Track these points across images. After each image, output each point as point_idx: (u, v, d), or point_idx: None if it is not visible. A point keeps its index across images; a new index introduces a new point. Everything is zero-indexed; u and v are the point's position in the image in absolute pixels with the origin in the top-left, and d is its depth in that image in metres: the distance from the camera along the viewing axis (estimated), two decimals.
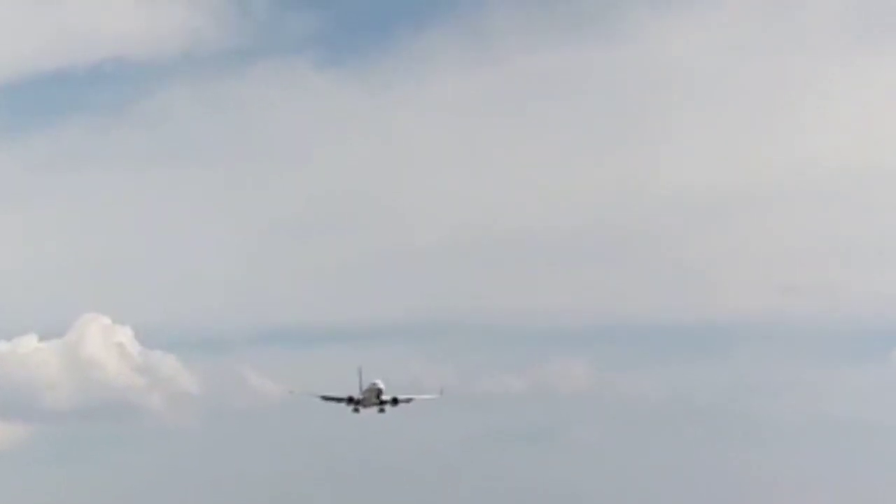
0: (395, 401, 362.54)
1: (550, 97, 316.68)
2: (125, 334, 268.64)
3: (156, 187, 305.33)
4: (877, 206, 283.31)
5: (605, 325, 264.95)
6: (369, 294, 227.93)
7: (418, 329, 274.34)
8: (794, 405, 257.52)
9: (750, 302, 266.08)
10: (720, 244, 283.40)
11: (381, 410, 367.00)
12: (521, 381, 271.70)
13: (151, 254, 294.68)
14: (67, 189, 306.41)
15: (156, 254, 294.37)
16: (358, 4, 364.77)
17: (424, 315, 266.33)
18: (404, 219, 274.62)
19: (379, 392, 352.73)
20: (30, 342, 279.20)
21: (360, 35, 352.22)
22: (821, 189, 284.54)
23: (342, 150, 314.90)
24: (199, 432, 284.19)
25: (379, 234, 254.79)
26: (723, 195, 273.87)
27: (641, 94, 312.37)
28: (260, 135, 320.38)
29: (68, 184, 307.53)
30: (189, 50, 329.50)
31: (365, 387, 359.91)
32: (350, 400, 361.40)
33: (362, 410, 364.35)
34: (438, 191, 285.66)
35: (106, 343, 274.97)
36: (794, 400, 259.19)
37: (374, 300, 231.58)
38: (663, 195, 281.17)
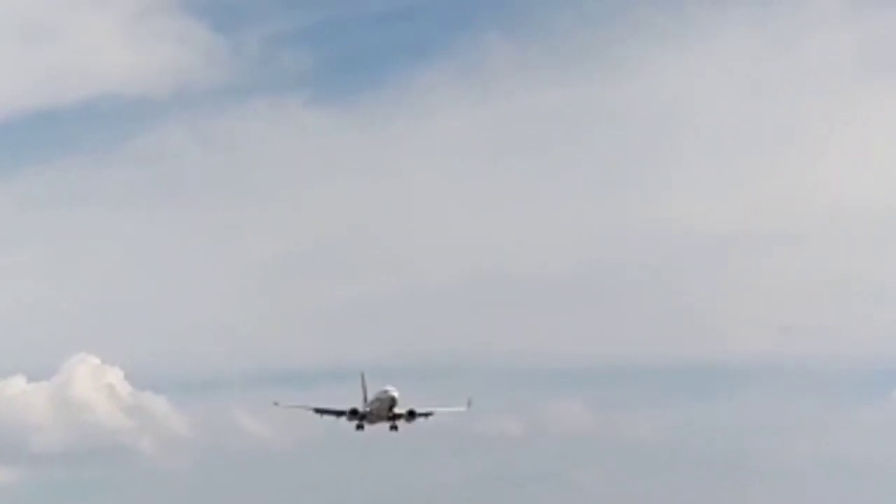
0: (411, 414, 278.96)
1: (548, 135, 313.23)
2: (115, 375, 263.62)
3: (147, 226, 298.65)
4: (875, 245, 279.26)
5: (604, 366, 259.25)
6: (364, 336, 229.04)
7: (414, 371, 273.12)
8: (794, 446, 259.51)
9: (750, 343, 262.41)
10: (719, 285, 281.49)
11: (393, 427, 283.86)
12: (519, 423, 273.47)
13: (142, 293, 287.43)
14: (57, 228, 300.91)
15: (147, 293, 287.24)
16: (352, 41, 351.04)
17: (420, 357, 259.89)
18: (400, 260, 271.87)
19: (392, 403, 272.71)
20: (17, 383, 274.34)
21: (354, 72, 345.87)
22: (819, 229, 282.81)
23: (337, 190, 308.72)
24: (191, 475, 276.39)
25: (375, 275, 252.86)
26: (722, 235, 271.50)
27: (642, 133, 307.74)
28: (254, 173, 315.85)
29: (58, 222, 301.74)
30: (181, 87, 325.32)
31: (372, 396, 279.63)
32: (353, 414, 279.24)
33: (368, 427, 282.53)
34: (434, 231, 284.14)
35: (95, 384, 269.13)
36: (794, 441, 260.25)
37: (368, 342, 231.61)
38: (663, 235, 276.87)
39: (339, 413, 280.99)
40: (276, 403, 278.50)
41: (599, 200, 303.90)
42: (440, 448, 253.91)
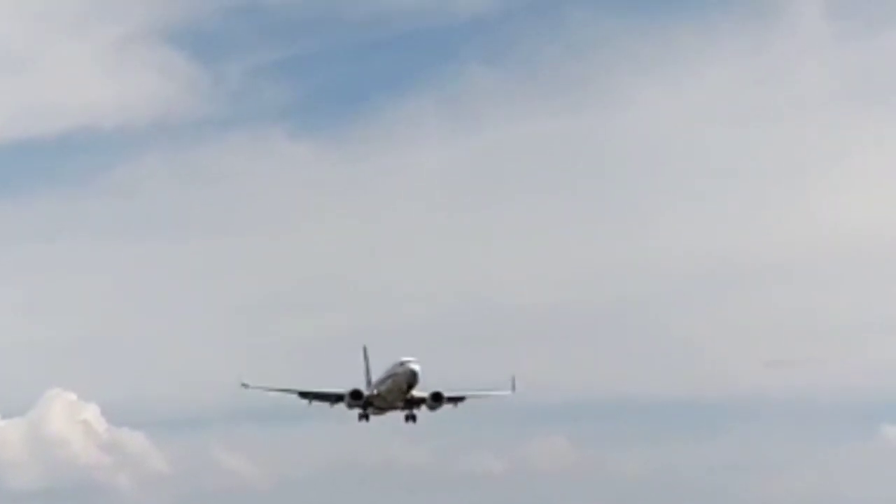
0: (437, 398, 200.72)
1: (535, 167, 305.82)
2: (91, 411, 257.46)
3: (125, 260, 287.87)
4: (864, 278, 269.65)
5: (589, 401, 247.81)
6: (345, 371, 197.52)
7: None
8: (782, 482, 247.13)
9: (736, 377, 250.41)
10: (706, 319, 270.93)
11: (410, 417, 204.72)
12: (501, 459, 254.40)
13: (119, 328, 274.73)
14: (33, 261, 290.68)
15: (124, 328, 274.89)
16: (334, 72, 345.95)
17: None
18: (383, 293, 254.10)
19: (411, 380, 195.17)
20: None
21: (336, 104, 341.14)
22: (807, 262, 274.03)
23: (319, 222, 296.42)
24: None
25: (357, 309, 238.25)
26: (709, 269, 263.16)
27: (628, 164, 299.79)
28: (234, 206, 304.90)
29: (34, 256, 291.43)
30: (161, 119, 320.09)
31: (381, 374, 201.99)
32: (355, 397, 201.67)
33: (375, 417, 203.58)
34: (419, 264, 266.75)
35: (71, 420, 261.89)
36: (782, 477, 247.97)
37: (350, 377, 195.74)
38: (649, 269, 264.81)
39: (335, 398, 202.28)
40: (245, 385, 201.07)
41: (585, 233, 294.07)
42: (421, 486, 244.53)
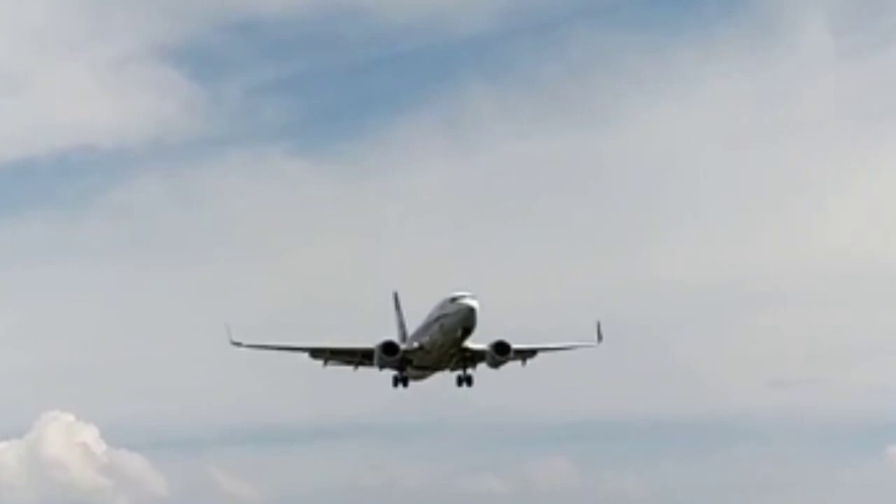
0: (501, 350, 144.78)
1: (533, 187, 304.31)
2: (90, 433, 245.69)
3: (123, 281, 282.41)
4: (869, 299, 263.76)
5: (591, 422, 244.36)
6: (345, 393, 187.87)
7: (396, 428, 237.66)
8: (785, 503, 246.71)
9: (739, 398, 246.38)
10: (708, 339, 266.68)
11: (465, 380, 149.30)
12: (503, 481, 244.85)
13: (118, 349, 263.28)
14: (30, 282, 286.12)
15: (122, 349, 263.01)
16: (333, 92, 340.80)
17: (402, 414, 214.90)
18: (382, 315, 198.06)
19: (467, 322, 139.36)
20: None
21: (335, 123, 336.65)
22: (811, 282, 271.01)
23: (318, 242, 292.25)
24: None
25: (356, 331, 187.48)
26: (712, 290, 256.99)
27: (628, 185, 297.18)
28: (232, 226, 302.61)
29: (31, 277, 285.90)
30: (159, 138, 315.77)
31: (429, 316, 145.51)
32: (389, 351, 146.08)
33: (415, 381, 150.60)
34: (416, 284, 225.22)
35: (69, 442, 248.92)
36: (785, 497, 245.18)
37: (350, 399, 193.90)
38: (650, 289, 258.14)
39: (360, 356, 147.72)
40: (236, 343, 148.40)
41: (586, 253, 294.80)
42: None
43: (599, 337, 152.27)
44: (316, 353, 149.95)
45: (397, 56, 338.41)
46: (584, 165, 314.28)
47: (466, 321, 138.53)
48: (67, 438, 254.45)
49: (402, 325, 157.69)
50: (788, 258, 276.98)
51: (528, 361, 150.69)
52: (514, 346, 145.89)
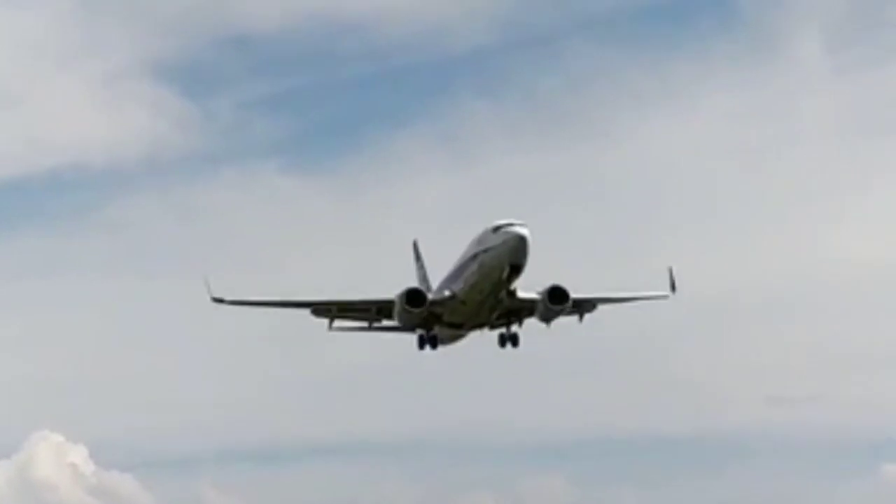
0: (557, 298, 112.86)
1: (531, 202, 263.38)
2: (79, 453, 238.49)
3: (115, 298, 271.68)
4: (868, 313, 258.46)
5: (587, 439, 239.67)
6: (338, 412, 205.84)
7: (389, 447, 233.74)
8: None
9: (737, 414, 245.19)
10: (706, 355, 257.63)
11: (510, 339, 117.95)
12: (498, 500, 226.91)
13: (108, 367, 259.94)
14: (20, 299, 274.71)
15: (113, 367, 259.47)
16: (327, 106, 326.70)
17: (396, 432, 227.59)
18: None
19: (516, 256, 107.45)
20: None
21: (329, 138, 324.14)
22: (809, 296, 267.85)
23: (312, 259, 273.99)
24: None
25: (350, 348, 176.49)
26: (710, 303, 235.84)
27: (627, 199, 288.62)
28: (226, 243, 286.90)
29: (22, 293, 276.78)
30: (151, 155, 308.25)
31: (463, 255, 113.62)
32: (413, 301, 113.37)
33: (445, 342, 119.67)
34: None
35: (58, 463, 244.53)
36: None
37: (343, 418, 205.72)
38: (649, 302, 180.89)
39: (376, 309, 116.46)
40: (217, 300, 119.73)
41: (585, 267, 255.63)
42: None
43: (673, 287, 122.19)
44: (320, 309, 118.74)
45: (393, 71, 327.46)
46: (583, 179, 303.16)
47: (514, 255, 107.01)
48: (56, 459, 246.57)
49: (424, 280, 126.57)
50: (787, 271, 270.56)
51: (587, 316, 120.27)
52: (576, 297, 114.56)
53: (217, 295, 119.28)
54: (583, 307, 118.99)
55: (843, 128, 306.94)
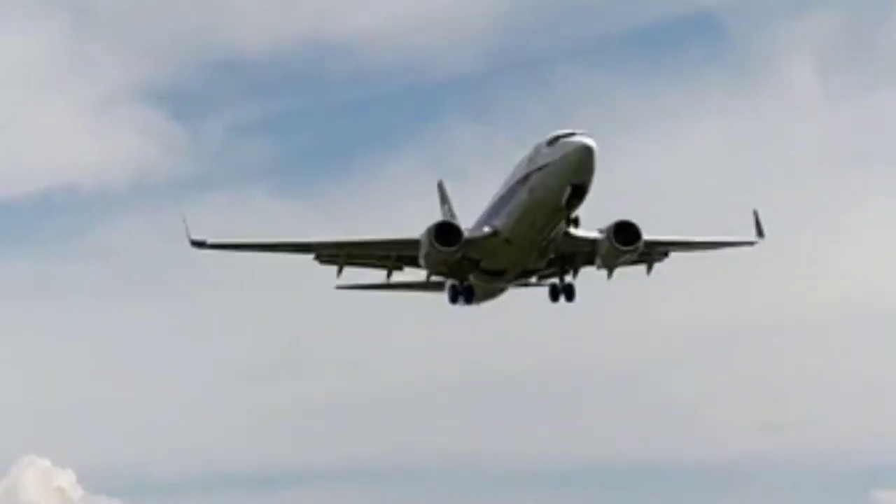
0: (625, 235, 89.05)
1: None
2: (66, 478, 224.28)
3: (103, 322, 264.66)
4: (861, 340, 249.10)
5: (584, 467, 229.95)
6: (329, 438, 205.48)
7: (382, 474, 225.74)
8: None
9: (731, 442, 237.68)
10: (701, 383, 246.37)
11: (564, 290, 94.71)
12: None
13: (96, 391, 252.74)
14: (8, 322, 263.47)
15: (101, 391, 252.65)
16: (316, 130, 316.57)
17: (388, 459, 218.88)
18: (366, 361, 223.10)
19: (579, 173, 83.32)
20: None
21: (319, 162, 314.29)
22: (801, 325, 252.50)
23: (303, 283, 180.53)
24: None
25: (340, 376, 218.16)
26: (702, 331, 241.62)
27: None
28: (215, 267, 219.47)
29: (9, 317, 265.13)
30: (140, 178, 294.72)
31: (507, 181, 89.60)
32: (445, 239, 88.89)
33: (481, 299, 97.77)
34: (403, 331, 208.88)
35: (45, 488, 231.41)
36: None
37: (333, 444, 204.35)
38: (642, 332, 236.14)
39: (397, 252, 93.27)
40: (196, 244, 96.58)
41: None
42: None
43: (760, 231, 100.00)
44: (327, 254, 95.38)
45: (382, 95, 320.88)
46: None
47: (578, 171, 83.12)
48: (43, 484, 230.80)
49: (446, 208, 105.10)
50: (780, 299, 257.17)
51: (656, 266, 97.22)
52: (646, 237, 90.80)
53: (197, 237, 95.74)
54: (652, 253, 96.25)
55: (836, 154, 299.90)
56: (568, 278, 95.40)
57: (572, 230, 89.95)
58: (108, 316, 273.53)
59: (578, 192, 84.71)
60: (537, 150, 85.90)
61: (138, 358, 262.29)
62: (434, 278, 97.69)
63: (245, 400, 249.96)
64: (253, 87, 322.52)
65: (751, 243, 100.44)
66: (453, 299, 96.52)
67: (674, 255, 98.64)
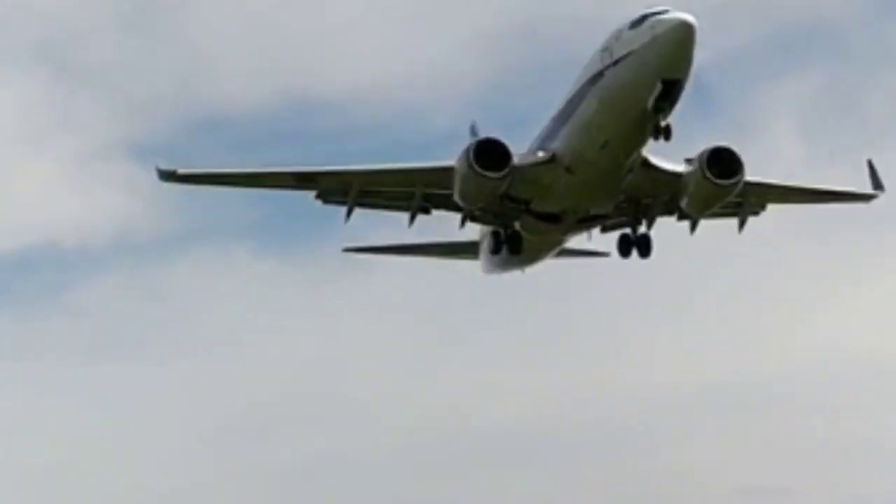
0: (719, 165, 66.95)
1: (511, 285, 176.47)
2: None
3: (85, 382, 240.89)
4: (843, 401, 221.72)
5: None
6: (320, 496, 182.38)
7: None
8: None
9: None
10: (677, 445, 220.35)
11: (639, 242, 73.17)
12: None
13: (77, 452, 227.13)
14: None
15: (82, 453, 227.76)
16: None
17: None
18: (354, 418, 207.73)
19: (674, 62, 60.86)
20: None
21: (302, 219, 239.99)
22: (777, 388, 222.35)
23: (287, 344, 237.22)
24: None
25: (327, 433, 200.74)
26: (679, 394, 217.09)
27: (604, 287, 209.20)
28: (199, 326, 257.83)
29: None
30: (122, 236, 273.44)
31: (584, 72, 66.35)
32: (487, 160, 66.40)
33: (527, 262, 76.87)
34: (392, 387, 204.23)
35: None
36: None
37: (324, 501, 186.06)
38: (619, 395, 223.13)
39: (424, 186, 72.08)
40: (168, 173, 78.25)
41: (563, 356, 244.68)
42: None
43: (877, 184, 79.42)
44: (331, 189, 74.46)
45: (366, 153, 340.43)
46: (563, 262, 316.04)
47: (674, 59, 61.87)
48: None
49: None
50: (763, 359, 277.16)
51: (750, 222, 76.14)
52: (748, 177, 68.90)
53: (165, 167, 75.05)
54: (749, 200, 75.18)
55: (818, 215, 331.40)
56: (641, 229, 74.19)
57: (653, 160, 69.15)
58: (87, 375, 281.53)
59: (671, 92, 63.35)
60: (616, 35, 64.49)
61: (120, 418, 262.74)
62: (467, 236, 77.24)
63: (235, 460, 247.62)
64: (237, 144, 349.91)
65: (872, 197, 79.41)
66: (495, 249, 74.75)
67: (771, 210, 77.62)
